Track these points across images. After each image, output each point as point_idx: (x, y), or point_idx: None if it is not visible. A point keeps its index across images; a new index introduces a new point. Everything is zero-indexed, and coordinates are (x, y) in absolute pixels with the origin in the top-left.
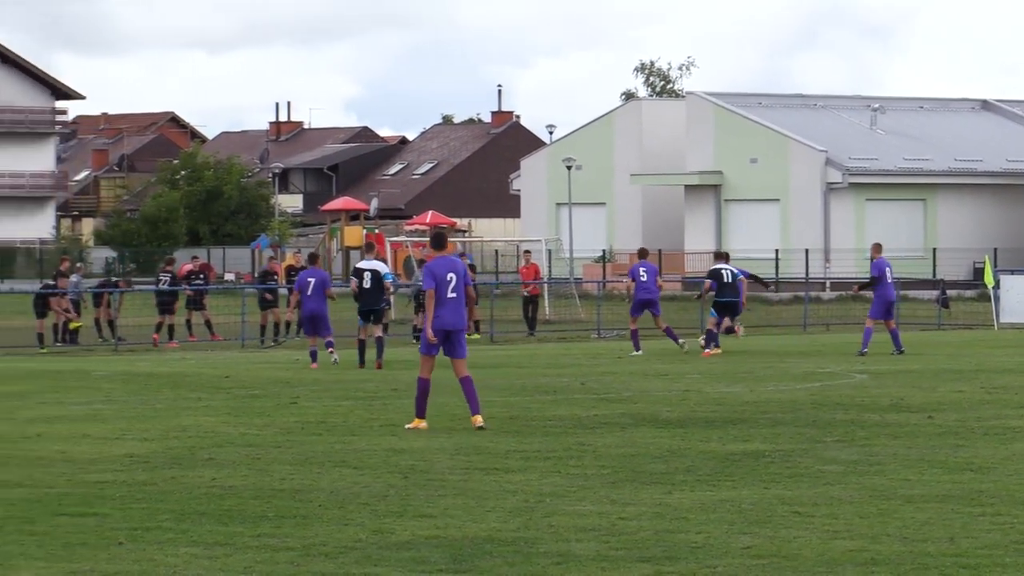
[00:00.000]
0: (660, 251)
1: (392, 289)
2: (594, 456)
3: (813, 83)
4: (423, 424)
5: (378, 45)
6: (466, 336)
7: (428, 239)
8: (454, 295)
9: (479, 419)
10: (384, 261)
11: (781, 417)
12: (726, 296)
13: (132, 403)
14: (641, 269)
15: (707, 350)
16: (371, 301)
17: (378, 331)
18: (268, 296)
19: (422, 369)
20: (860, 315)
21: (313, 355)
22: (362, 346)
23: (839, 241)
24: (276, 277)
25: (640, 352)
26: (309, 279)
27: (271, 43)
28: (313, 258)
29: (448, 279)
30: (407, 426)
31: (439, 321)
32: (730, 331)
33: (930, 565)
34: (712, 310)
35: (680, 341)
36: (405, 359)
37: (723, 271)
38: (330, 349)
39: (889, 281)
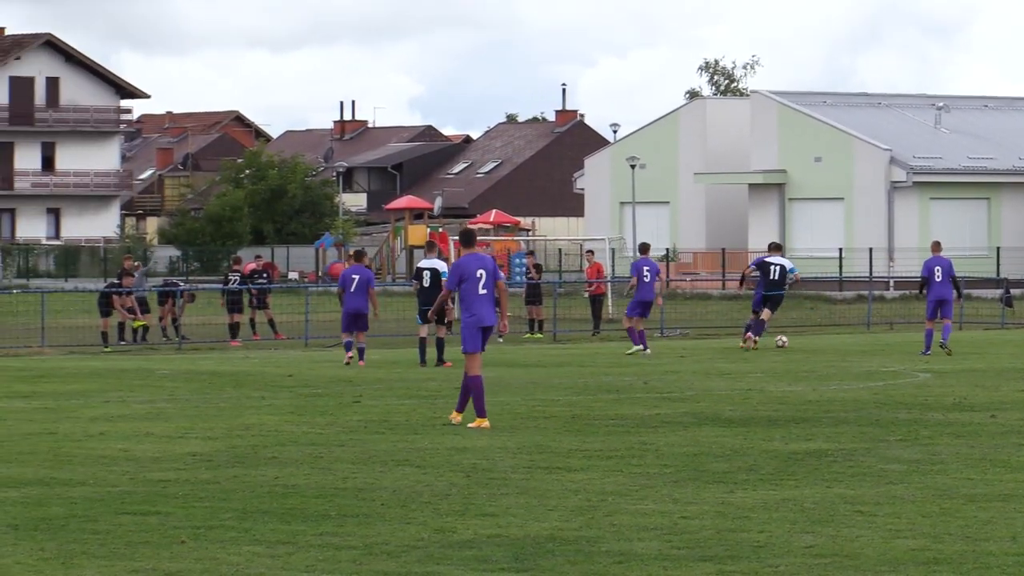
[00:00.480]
0: (724, 250)
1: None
2: (656, 455)
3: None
4: (486, 423)
5: (442, 44)
6: (530, 334)
7: (457, 236)
8: (484, 291)
9: (459, 417)
10: (446, 260)
11: (843, 416)
12: (771, 290)
13: (195, 402)
14: (644, 268)
15: (748, 335)
16: (431, 300)
17: (442, 331)
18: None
19: (471, 367)
20: (923, 314)
21: (347, 346)
22: (423, 344)
23: (903, 240)
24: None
25: (641, 348)
26: (354, 276)
27: (335, 42)
28: (359, 255)
29: (478, 276)
30: (469, 425)
31: (475, 318)
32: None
33: (992, 564)
34: (756, 303)
35: (647, 350)
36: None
37: (772, 266)
38: (361, 360)
39: (937, 280)
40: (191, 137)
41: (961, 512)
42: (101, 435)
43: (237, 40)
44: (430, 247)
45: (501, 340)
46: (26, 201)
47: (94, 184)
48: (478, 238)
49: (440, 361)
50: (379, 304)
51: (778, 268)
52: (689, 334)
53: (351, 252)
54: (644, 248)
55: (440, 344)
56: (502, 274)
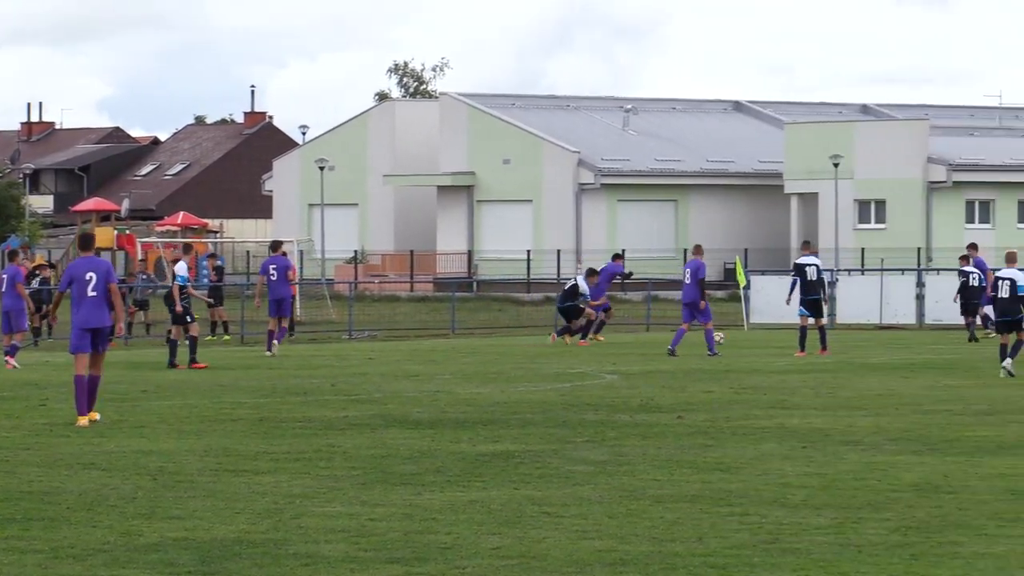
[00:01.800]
0: (412, 252)
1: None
2: (344, 457)
3: (566, 84)
4: (87, 419)
5: (131, 45)
6: (214, 336)
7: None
8: (94, 294)
9: (85, 420)
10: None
11: (531, 418)
12: (811, 294)
13: None
14: (686, 271)
15: (800, 351)
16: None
17: (182, 332)
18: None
19: (77, 366)
20: (611, 316)
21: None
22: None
23: (591, 242)
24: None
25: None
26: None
27: (21, 43)
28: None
29: (87, 278)
30: (77, 424)
31: (81, 320)
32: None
33: (678, 565)
34: (800, 308)
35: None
36: (154, 361)
37: (807, 267)
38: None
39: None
40: None
41: (648, 513)
42: None
43: None
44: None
45: (126, 342)
46: None
47: None
48: (140, 240)
49: (175, 363)
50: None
51: (815, 268)
52: (378, 336)
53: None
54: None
55: (173, 346)
56: (115, 276)
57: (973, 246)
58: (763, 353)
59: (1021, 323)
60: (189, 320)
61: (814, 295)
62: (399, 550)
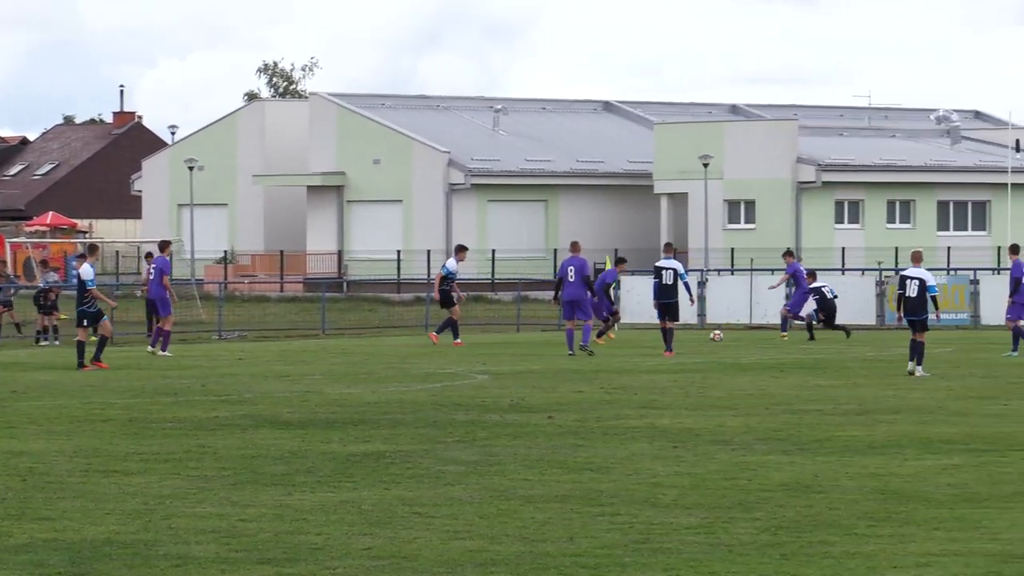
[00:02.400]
0: (282, 252)
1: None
2: (214, 458)
3: (436, 84)
4: None
5: None
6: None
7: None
8: None
9: None
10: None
11: (402, 418)
12: (663, 297)
13: None
14: (570, 269)
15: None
16: None
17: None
18: None
19: None
20: (481, 316)
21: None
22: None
23: (461, 242)
24: None
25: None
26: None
27: None
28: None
29: None
30: None
31: None
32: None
33: (549, 565)
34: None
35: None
36: (23, 361)
37: (663, 270)
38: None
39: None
40: None
41: (518, 513)
42: None
43: None
44: None
45: None
46: None
47: None
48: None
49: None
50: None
51: (670, 272)
52: (248, 336)
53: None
54: (574, 247)
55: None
56: None
57: (789, 252)
58: (633, 353)
59: (926, 323)
60: (101, 319)
61: (667, 299)
62: (270, 551)
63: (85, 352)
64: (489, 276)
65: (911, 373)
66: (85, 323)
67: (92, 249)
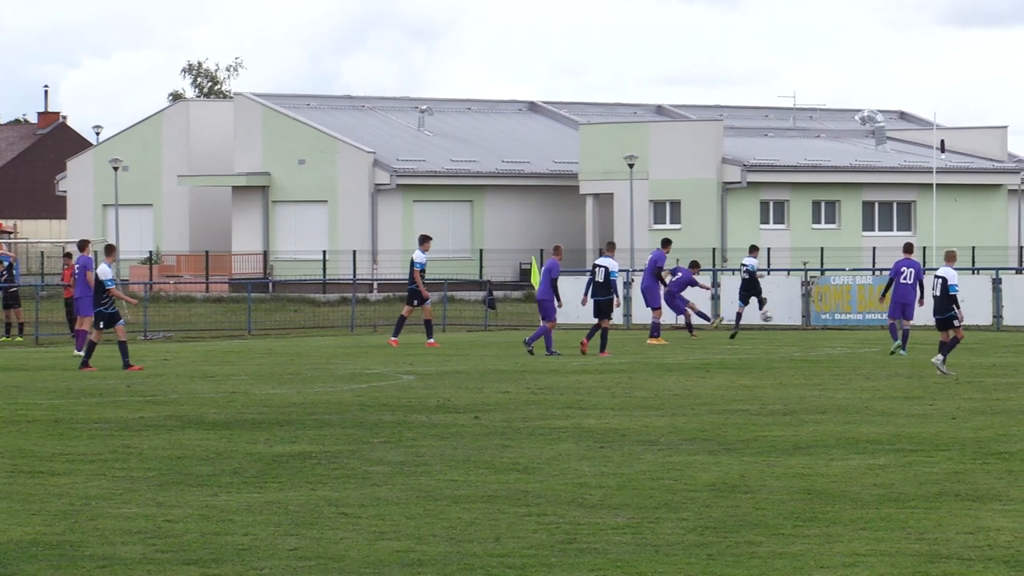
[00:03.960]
0: (207, 252)
1: None
2: (140, 458)
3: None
4: None
5: None
6: (8, 338)
7: None
8: None
9: None
10: None
11: (328, 419)
12: (596, 295)
13: None
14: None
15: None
16: None
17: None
18: None
19: None
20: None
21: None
22: None
23: (386, 242)
24: None
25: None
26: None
27: None
28: (109, 249)
29: None
30: None
31: None
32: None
33: (476, 565)
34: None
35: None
36: None
37: (597, 268)
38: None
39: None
40: None
41: (445, 513)
42: None
43: None
44: None
45: None
46: None
47: None
48: None
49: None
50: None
51: (602, 270)
52: (173, 337)
53: (105, 247)
54: (556, 250)
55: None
56: None
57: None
58: (561, 353)
59: (950, 321)
60: (117, 321)
61: (599, 296)
62: (196, 551)
63: (92, 352)
64: None
65: (937, 365)
66: (101, 324)
67: (109, 249)
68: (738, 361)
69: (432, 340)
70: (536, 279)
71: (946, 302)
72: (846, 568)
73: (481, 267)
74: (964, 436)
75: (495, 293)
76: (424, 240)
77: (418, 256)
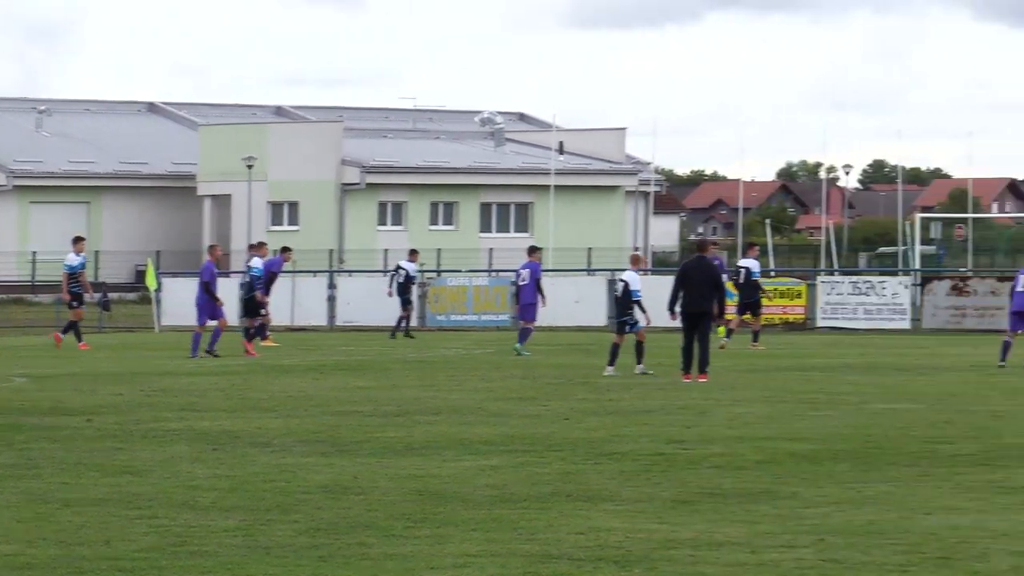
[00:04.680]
0: None
1: None
2: None
3: None
4: None
5: None
6: None
7: None
8: None
9: None
10: None
11: None
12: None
13: None
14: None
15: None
16: None
17: None
18: None
19: None
20: (21, 318)
21: None
22: None
23: (3, 244)
24: None
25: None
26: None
27: None
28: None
29: None
30: None
31: None
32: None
33: (86, 569)
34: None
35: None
36: None
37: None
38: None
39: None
40: None
41: (55, 517)
42: None
43: None
44: None
45: None
46: None
47: None
48: None
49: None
50: None
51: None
52: None
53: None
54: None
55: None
56: None
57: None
58: (174, 355)
59: (629, 324)
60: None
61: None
62: None
63: None
64: (30, 279)
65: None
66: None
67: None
68: (354, 363)
69: (83, 343)
70: (152, 281)
71: (628, 305)
72: (456, 569)
73: (96, 269)
74: (577, 437)
75: (110, 295)
76: (77, 241)
77: (71, 259)
